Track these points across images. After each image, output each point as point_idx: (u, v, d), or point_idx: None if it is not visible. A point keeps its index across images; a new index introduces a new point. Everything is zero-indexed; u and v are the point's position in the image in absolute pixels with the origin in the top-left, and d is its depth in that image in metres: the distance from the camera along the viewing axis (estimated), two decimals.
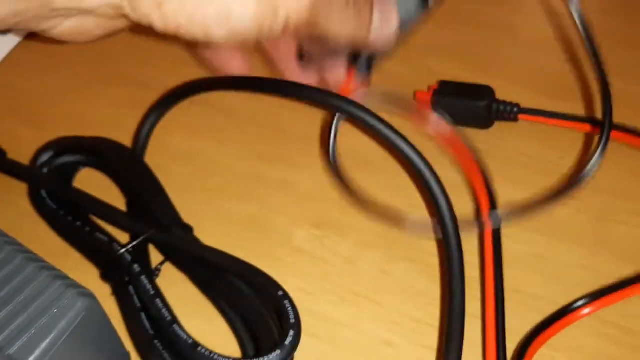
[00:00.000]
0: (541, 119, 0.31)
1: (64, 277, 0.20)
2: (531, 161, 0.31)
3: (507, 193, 0.28)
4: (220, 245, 0.27)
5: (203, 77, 0.31)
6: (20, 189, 0.29)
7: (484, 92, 0.31)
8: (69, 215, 0.27)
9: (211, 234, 0.28)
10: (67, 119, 0.32)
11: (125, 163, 0.29)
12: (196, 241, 0.27)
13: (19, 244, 0.21)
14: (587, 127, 0.31)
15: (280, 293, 0.23)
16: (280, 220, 0.29)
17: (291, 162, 0.31)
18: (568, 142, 0.31)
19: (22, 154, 0.30)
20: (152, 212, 0.27)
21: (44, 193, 0.28)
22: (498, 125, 0.31)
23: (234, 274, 0.25)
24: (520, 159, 0.31)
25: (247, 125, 0.32)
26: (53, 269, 0.20)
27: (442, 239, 0.24)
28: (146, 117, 0.31)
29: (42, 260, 0.20)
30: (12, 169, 0.29)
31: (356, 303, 0.26)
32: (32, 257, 0.20)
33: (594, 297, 0.25)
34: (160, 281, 0.26)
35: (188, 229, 0.27)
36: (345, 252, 0.28)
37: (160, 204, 0.27)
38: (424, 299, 0.26)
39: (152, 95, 0.33)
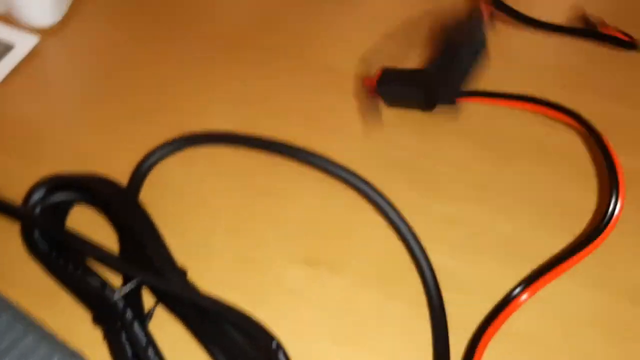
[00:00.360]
0: (478, 99, 0.32)
1: (51, 338, 0.19)
2: None
3: None
4: (212, 286, 0.27)
5: (221, 130, 0.32)
6: (12, 226, 0.29)
7: (423, 75, 0.32)
8: (62, 257, 0.27)
9: (203, 273, 0.27)
10: (59, 151, 0.32)
11: (119, 202, 0.28)
12: (190, 286, 0.26)
13: (4, 299, 0.21)
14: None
15: (275, 345, 0.23)
16: (273, 259, 0.28)
17: (284, 196, 0.30)
18: None
19: (13, 189, 0.29)
20: (146, 254, 0.27)
21: (36, 234, 0.27)
22: None
23: (228, 322, 0.24)
24: None
25: (240, 157, 0.32)
26: (40, 328, 0.20)
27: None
28: (148, 156, 0.30)
29: (28, 317, 0.20)
30: (4, 209, 0.28)
31: (351, 345, 0.26)
32: (18, 316, 0.20)
33: (529, 281, 0.26)
34: (151, 323, 0.26)
35: (182, 273, 0.27)
36: (339, 291, 0.27)
37: (155, 246, 0.27)
38: (419, 340, 0.26)
39: (143, 127, 0.32)
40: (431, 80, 0.32)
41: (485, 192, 0.31)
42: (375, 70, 0.34)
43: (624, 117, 0.34)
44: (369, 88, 0.34)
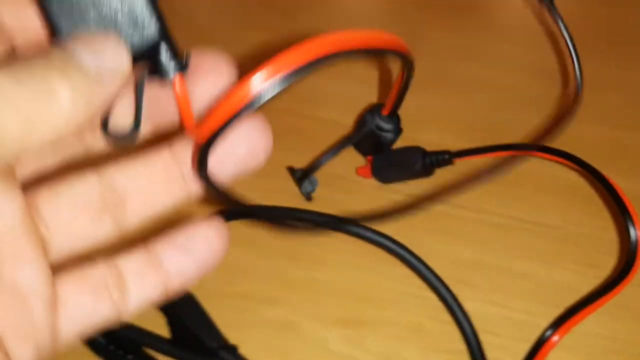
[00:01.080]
0: (473, 157, 0.33)
1: None
2: None
3: None
4: (257, 356, 0.29)
5: (250, 205, 0.33)
6: None
7: (414, 152, 0.33)
8: (120, 349, 0.29)
9: (246, 344, 0.29)
10: None
11: None
12: None
13: None
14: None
15: None
16: (313, 323, 0.30)
17: (317, 259, 0.32)
18: None
19: None
20: (197, 337, 0.29)
21: None
22: None
23: None
24: None
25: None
26: None
27: None
28: None
29: None
30: None
31: None
32: None
33: (558, 323, 0.28)
34: None
35: (233, 349, 0.29)
36: (381, 349, 0.29)
37: (203, 327, 0.29)
38: None
39: None
40: (422, 152, 0.33)
41: (504, 231, 0.33)
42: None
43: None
44: (364, 176, 0.35)
